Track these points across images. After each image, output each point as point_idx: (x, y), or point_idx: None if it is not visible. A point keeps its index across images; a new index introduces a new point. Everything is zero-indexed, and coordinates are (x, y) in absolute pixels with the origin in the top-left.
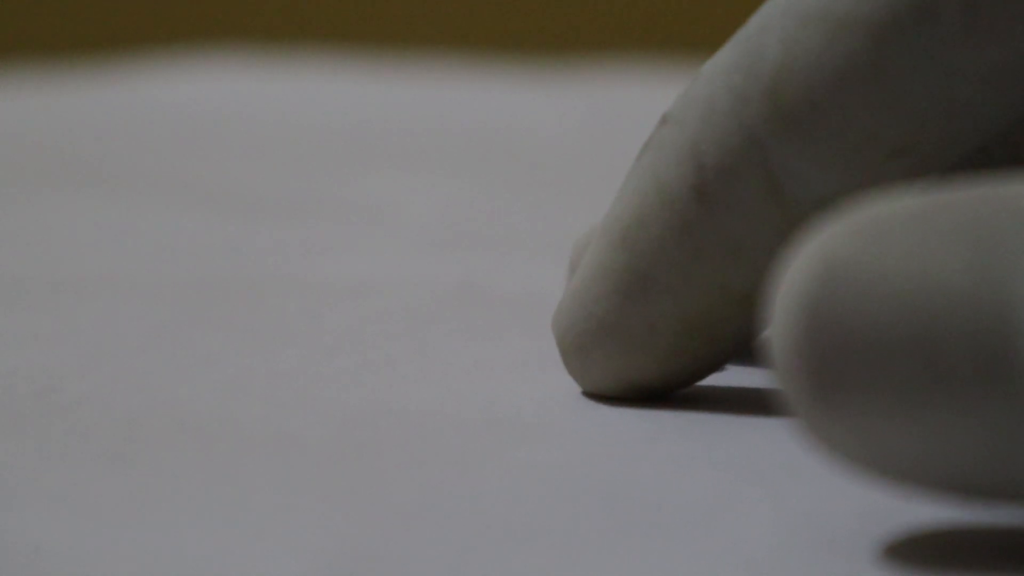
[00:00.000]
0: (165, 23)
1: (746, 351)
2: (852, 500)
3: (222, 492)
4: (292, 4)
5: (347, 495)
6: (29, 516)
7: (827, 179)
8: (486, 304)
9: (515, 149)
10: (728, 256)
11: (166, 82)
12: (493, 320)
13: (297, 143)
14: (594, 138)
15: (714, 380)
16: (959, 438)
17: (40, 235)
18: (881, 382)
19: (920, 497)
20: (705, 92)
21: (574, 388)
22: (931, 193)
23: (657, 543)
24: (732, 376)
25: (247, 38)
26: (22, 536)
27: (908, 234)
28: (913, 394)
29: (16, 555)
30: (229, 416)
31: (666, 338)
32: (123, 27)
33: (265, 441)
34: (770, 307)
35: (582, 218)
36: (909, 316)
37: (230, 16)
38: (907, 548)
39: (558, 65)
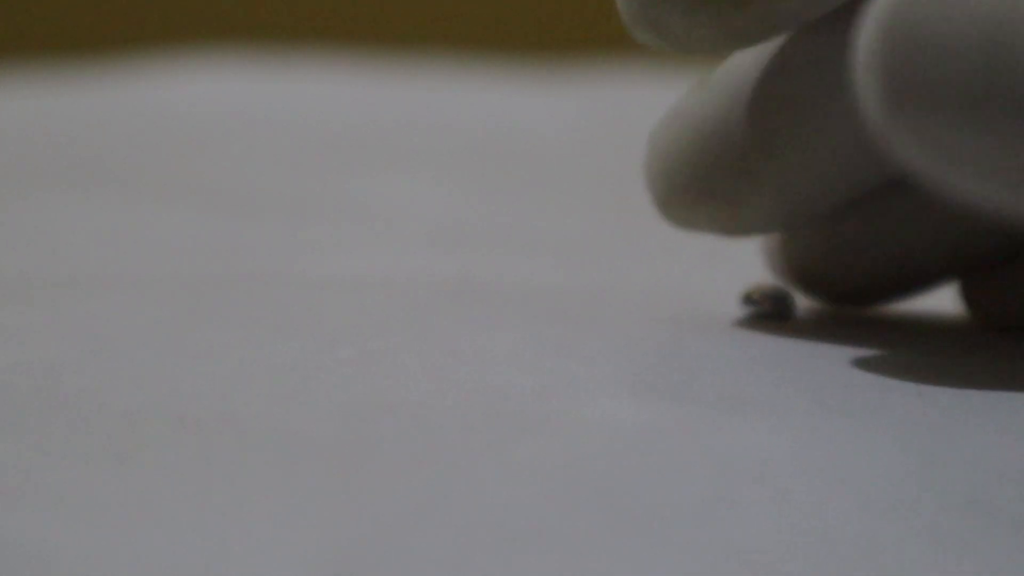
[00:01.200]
0: (165, 23)
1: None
2: (855, 497)
3: (222, 490)
4: (292, 4)
5: (347, 493)
6: (29, 515)
7: None
8: (485, 299)
9: (513, 149)
10: None
11: (166, 82)
12: (492, 314)
13: (297, 143)
14: (591, 138)
15: (714, 372)
16: (1022, 149)
17: (40, 233)
18: (951, 89)
19: (980, 204)
20: None
21: (573, 381)
22: None
23: (657, 542)
24: (732, 368)
25: (247, 38)
26: (22, 536)
27: None
28: (981, 102)
29: (16, 555)
30: (229, 411)
31: None
32: (123, 27)
33: (265, 437)
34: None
35: (580, 217)
36: (983, 26)
37: (230, 16)
38: (909, 545)
39: (556, 66)
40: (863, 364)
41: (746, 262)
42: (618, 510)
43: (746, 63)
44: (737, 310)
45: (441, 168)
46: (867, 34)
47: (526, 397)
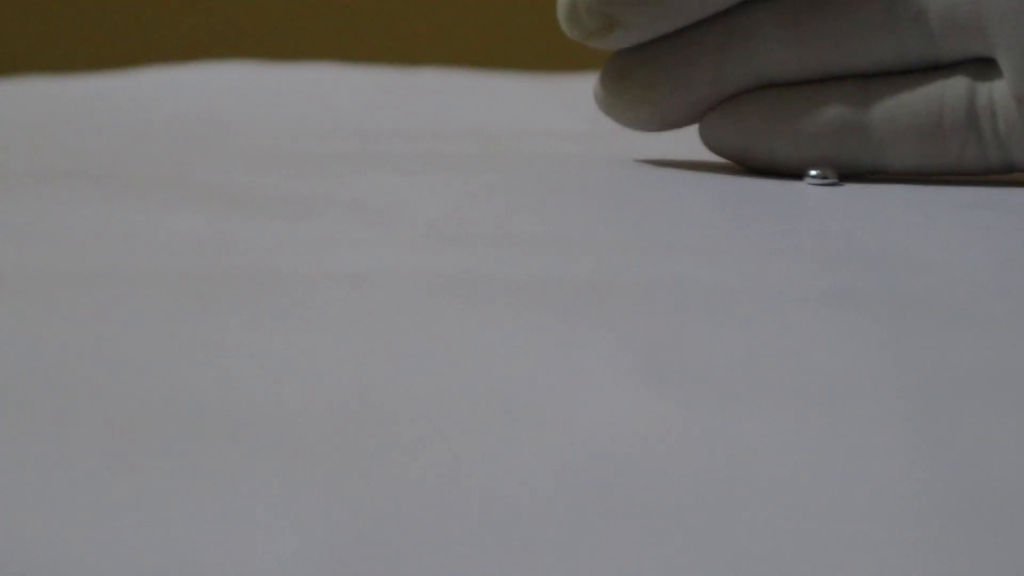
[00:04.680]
0: (169, 44)
1: None
2: (856, 495)
3: (223, 485)
4: (295, 24)
5: (349, 487)
6: (29, 516)
7: None
8: (487, 293)
9: (513, 147)
10: None
11: (168, 79)
12: (493, 308)
13: (298, 140)
14: (590, 136)
15: (716, 366)
16: None
17: (41, 229)
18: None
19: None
20: None
21: (574, 375)
22: None
23: (658, 537)
24: (733, 361)
25: (251, 57)
26: (22, 536)
27: None
28: None
29: (16, 555)
30: (230, 407)
31: None
32: (127, 48)
33: (266, 433)
34: None
35: (580, 215)
36: None
37: (235, 36)
38: (908, 542)
39: (556, 69)
40: (864, 354)
41: (741, 258)
42: (618, 504)
43: None
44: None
45: (442, 165)
46: None
47: (527, 390)
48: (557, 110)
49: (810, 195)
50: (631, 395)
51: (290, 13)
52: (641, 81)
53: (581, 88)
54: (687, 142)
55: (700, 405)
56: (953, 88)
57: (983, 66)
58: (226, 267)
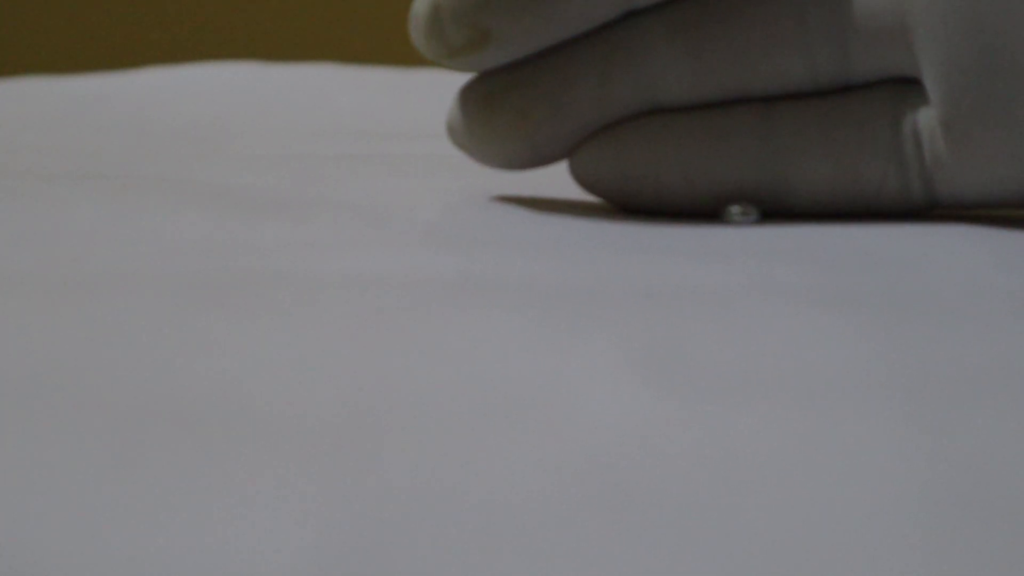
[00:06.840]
0: (169, 44)
1: None
2: (855, 494)
3: (223, 485)
4: (295, 24)
5: (348, 487)
6: (29, 515)
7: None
8: (485, 295)
9: None
10: None
11: (169, 79)
12: (491, 310)
13: (297, 141)
14: None
15: (715, 365)
16: None
17: (43, 230)
18: None
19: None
20: None
21: (572, 376)
22: None
23: (657, 537)
24: (732, 361)
25: (251, 57)
26: (22, 536)
27: None
28: None
29: (16, 555)
30: (230, 407)
31: None
32: (127, 48)
33: (266, 433)
34: None
35: (579, 217)
36: None
37: (235, 36)
38: (907, 544)
39: None
40: (863, 355)
41: (740, 259)
42: (617, 504)
43: None
44: (726, 221)
45: (441, 167)
46: None
47: (527, 391)
48: None
49: None
50: (630, 396)
51: (290, 13)
52: (513, 106)
53: None
54: (542, 179)
55: (699, 406)
56: (872, 112)
57: (907, 87)
58: (226, 268)
